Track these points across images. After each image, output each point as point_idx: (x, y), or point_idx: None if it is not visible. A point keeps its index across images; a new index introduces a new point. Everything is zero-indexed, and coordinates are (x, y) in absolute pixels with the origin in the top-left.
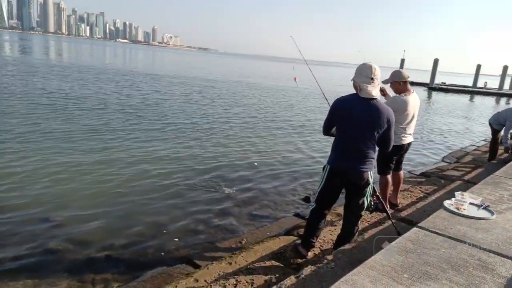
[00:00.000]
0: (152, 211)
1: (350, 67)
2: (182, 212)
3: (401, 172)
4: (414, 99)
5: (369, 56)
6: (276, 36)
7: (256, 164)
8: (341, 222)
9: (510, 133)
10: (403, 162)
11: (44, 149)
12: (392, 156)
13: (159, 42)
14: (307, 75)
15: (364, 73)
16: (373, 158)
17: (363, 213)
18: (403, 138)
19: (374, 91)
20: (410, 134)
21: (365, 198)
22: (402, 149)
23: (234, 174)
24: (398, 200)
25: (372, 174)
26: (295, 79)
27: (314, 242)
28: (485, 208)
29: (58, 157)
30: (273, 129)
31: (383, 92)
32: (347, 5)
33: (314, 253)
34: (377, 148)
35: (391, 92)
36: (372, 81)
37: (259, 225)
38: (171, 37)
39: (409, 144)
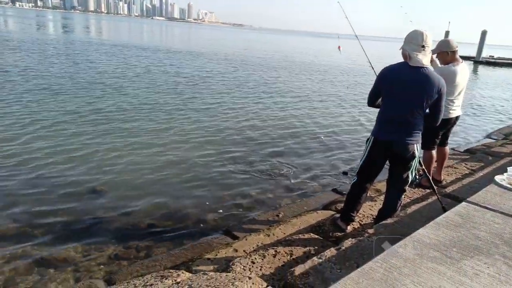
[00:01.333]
0: (191, 185)
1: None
2: (221, 186)
3: (447, 148)
4: (463, 69)
5: (414, 27)
6: (308, 11)
7: (322, 138)
8: (381, 197)
9: None
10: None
11: (100, 126)
12: (439, 130)
13: (195, 19)
14: (350, 48)
15: (414, 40)
16: (421, 130)
17: (406, 188)
18: (451, 111)
19: (424, 59)
20: (458, 106)
21: (409, 172)
22: (449, 123)
23: (272, 149)
24: (442, 176)
25: (418, 147)
26: (339, 47)
27: (354, 216)
28: None
29: (110, 135)
30: (315, 102)
31: (430, 60)
32: None
33: (354, 227)
34: None
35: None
36: (423, 49)
37: (296, 200)
38: (206, 13)
39: (457, 117)
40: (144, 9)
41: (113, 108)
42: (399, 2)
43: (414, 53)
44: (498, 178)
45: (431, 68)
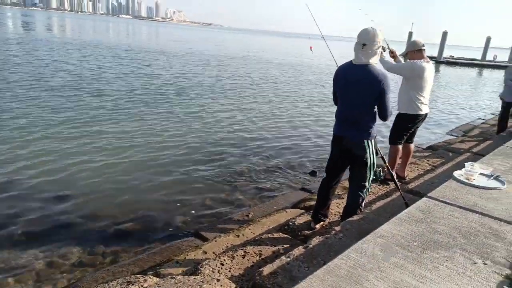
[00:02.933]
0: (160, 187)
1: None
2: (189, 187)
3: (412, 145)
4: (431, 68)
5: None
6: (279, 11)
7: (292, 137)
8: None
9: None
10: None
11: (64, 130)
12: (407, 126)
13: (163, 18)
14: (323, 48)
15: (357, 39)
16: (371, 127)
17: (368, 184)
18: (421, 107)
19: (365, 57)
20: (426, 104)
21: (367, 169)
22: (419, 119)
23: (241, 150)
24: (406, 173)
25: (371, 143)
26: (310, 48)
27: (324, 215)
28: (496, 178)
29: (74, 139)
30: (283, 102)
31: (393, 54)
32: None
33: (322, 225)
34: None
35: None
36: (364, 46)
37: (265, 199)
38: (174, 12)
39: (426, 114)
40: (110, 7)
41: (77, 111)
42: (365, 3)
43: (355, 51)
44: (456, 173)
45: (375, 65)
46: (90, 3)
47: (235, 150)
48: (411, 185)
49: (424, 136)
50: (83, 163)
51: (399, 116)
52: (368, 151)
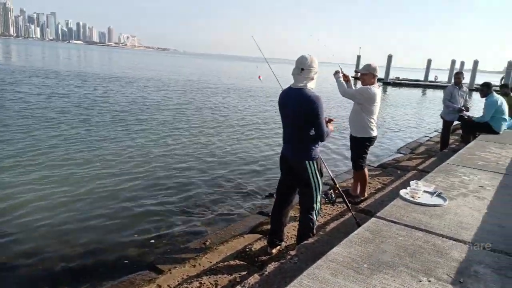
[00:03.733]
0: (114, 217)
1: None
2: (145, 216)
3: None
4: (380, 91)
5: (328, 53)
6: (234, 36)
7: (249, 161)
8: None
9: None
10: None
11: (7, 160)
12: (365, 148)
13: (116, 43)
14: (270, 73)
15: (296, 64)
16: (311, 148)
17: (316, 205)
18: (374, 129)
19: (302, 81)
20: (376, 126)
21: (312, 190)
22: (373, 140)
23: (197, 176)
24: (358, 191)
25: (312, 164)
26: (259, 77)
27: (280, 238)
28: (438, 195)
29: (21, 169)
30: (237, 127)
31: (346, 78)
32: (303, 4)
33: (278, 250)
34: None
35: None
36: (301, 71)
37: (223, 225)
38: (128, 37)
39: (376, 136)
40: (60, 32)
41: (30, 141)
42: (320, 26)
43: (294, 76)
44: (402, 192)
45: (310, 89)
46: (38, 29)
47: (193, 176)
48: (363, 205)
49: (375, 154)
50: (28, 197)
51: (356, 140)
52: (309, 171)
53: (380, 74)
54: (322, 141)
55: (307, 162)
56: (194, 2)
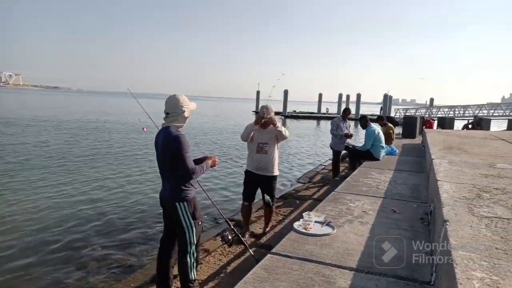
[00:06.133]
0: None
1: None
2: (27, 275)
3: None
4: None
5: (227, 89)
6: (125, 71)
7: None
8: (207, 257)
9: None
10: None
11: None
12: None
13: None
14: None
15: (165, 104)
16: (181, 189)
17: (190, 248)
18: None
19: (168, 121)
20: None
21: (185, 231)
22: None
23: (81, 227)
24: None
25: (184, 206)
26: (143, 129)
27: (168, 286)
28: (328, 224)
29: None
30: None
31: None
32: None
33: None
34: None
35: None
36: (167, 115)
37: (121, 277)
38: (10, 75)
39: None
40: None
41: None
42: (220, 62)
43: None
44: (295, 224)
45: (173, 127)
46: None
47: (73, 228)
48: (263, 240)
49: (279, 185)
50: None
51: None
52: (180, 213)
53: (278, 108)
54: (190, 178)
55: (178, 204)
56: (88, 37)
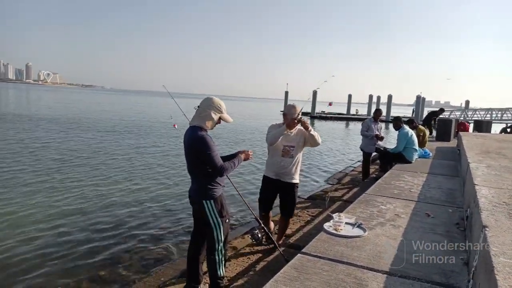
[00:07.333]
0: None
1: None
2: (62, 271)
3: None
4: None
5: (253, 88)
6: (157, 71)
7: (166, 202)
8: (235, 255)
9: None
10: None
11: None
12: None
13: (35, 80)
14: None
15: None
16: (208, 187)
17: (218, 245)
18: None
19: (196, 119)
20: None
21: (213, 229)
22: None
23: (114, 221)
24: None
25: (210, 204)
26: (174, 126)
27: (197, 280)
28: (359, 226)
29: None
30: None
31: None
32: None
33: None
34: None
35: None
36: (197, 110)
37: (151, 271)
38: (48, 74)
39: None
40: None
41: None
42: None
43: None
44: (326, 225)
45: (200, 127)
46: None
47: (111, 221)
48: (292, 239)
49: (305, 186)
50: None
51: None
52: (207, 210)
53: (307, 108)
54: (221, 175)
55: (205, 202)
56: (122, 38)
